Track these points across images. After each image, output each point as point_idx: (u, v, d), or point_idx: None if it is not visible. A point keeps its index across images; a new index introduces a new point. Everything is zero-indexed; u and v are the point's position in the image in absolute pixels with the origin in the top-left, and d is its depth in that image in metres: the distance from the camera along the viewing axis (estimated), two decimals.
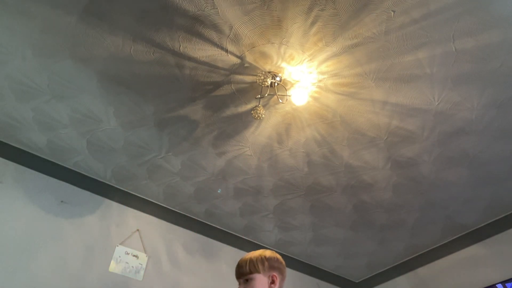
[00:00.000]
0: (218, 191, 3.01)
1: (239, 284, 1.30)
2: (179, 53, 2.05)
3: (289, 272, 3.56)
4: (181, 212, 3.27)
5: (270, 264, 1.32)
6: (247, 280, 1.27)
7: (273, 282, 1.29)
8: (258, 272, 1.28)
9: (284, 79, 2.16)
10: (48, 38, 2.01)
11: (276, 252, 1.71)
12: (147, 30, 1.95)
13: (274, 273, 1.30)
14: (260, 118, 2.15)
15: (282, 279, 1.31)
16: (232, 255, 3.32)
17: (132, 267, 2.77)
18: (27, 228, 2.49)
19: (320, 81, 2.15)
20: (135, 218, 3.01)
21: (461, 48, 1.90)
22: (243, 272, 1.29)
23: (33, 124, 2.54)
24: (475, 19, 1.77)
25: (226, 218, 3.30)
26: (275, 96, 2.22)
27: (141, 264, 2.82)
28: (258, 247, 3.53)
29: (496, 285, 2.83)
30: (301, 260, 3.73)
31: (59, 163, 2.85)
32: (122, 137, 2.59)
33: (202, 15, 1.86)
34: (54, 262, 2.48)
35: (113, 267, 2.69)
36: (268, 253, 1.34)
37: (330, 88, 2.18)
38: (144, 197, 3.14)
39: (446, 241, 3.29)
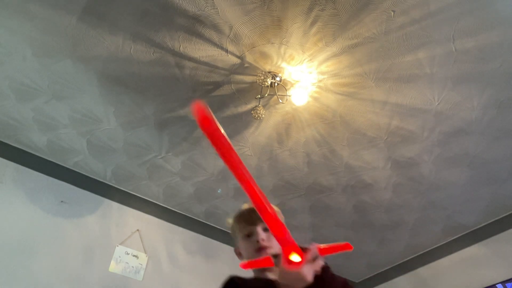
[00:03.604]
0: (218, 191, 3.00)
1: (252, 233, 1.05)
2: (179, 53, 2.05)
3: None
4: (181, 212, 3.26)
5: (282, 218, 1.17)
6: (267, 229, 1.05)
7: None
8: None
9: (284, 79, 2.16)
10: (48, 38, 2.01)
11: None
12: (147, 30, 1.95)
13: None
14: (260, 118, 2.15)
15: None
16: (232, 255, 3.31)
17: (132, 267, 2.77)
18: (27, 228, 2.49)
19: (320, 81, 2.15)
20: (135, 218, 3.01)
21: (461, 48, 1.90)
22: None
23: (33, 124, 2.54)
24: (475, 19, 1.77)
25: (226, 218, 3.30)
26: (275, 96, 2.22)
27: (141, 264, 2.82)
28: None
29: (496, 285, 2.83)
30: None
31: (59, 163, 2.85)
32: (122, 137, 2.59)
33: (202, 15, 1.86)
34: (54, 262, 2.47)
35: (113, 267, 2.69)
36: None
37: (330, 88, 2.18)
38: (144, 197, 3.14)
39: (446, 241, 3.28)
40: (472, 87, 2.09)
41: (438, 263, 3.31)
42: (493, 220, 3.01)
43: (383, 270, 3.76)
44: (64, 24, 1.94)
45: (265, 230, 1.05)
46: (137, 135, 2.57)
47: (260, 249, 1.01)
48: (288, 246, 0.79)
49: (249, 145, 2.60)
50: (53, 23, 1.94)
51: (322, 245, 0.87)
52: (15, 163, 2.68)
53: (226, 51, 2.03)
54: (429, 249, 3.39)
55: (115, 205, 2.97)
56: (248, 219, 1.08)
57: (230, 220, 1.19)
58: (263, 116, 2.16)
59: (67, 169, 2.87)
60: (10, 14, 1.91)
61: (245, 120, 2.42)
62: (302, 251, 0.82)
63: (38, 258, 2.44)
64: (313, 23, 1.86)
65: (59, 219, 2.66)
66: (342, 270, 3.81)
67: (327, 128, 2.42)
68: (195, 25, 1.91)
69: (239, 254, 1.14)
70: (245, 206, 1.16)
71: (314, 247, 0.83)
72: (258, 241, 1.02)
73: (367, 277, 3.89)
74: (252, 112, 2.16)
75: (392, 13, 1.78)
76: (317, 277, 0.82)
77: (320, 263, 0.83)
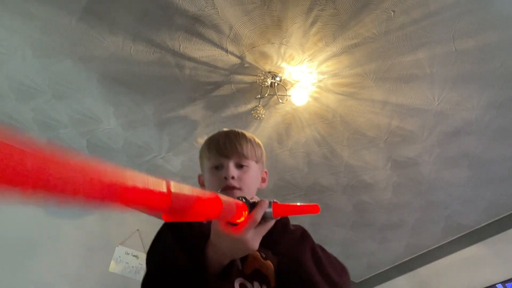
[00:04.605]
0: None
1: (221, 166, 0.85)
2: (179, 53, 2.05)
3: None
4: None
5: (264, 157, 0.96)
6: (241, 166, 0.86)
7: (263, 180, 0.96)
8: (255, 161, 0.90)
9: (284, 79, 2.15)
10: (48, 38, 2.01)
11: None
12: (147, 30, 1.95)
13: (266, 170, 0.98)
14: (260, 118, 2.15)
15: None
16: None
17: (132, 267, 2.77)
18: (27, 228, 2.49)
19: (320, 81, 2.15)
20: (135, 218, 3.01)
21: (461, 48, 1.90)
22: (241, 153, 0.86)
23: (33, 124, 2.54)
24: (475, 19, 1.77)
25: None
26: (275, 96, 2.22)
27: (141, 264, 2.82)
28: None
29: (496, 285, 2.82)
30: None
31: None
32: (122, 137, 2.59)
33: (202, 15, 1.86)
34: (54, 262, 2.48)
35: (113, 267, 2.69)
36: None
37: (330, 88, 2.18)
38: None
39: (446, 241, 3.28)
40: (472, 87, 2.09)
41: (438, 263, 3.31)
42: (493, 220, 3.01)
43: (383, 270, 3.76)
44: (64, 24, 1.94)
45: (239, 166, 0.85)
46: (137, 135, 2.57)
47: (226, 188, 0.82)
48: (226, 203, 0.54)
49: None
50: (53, 23, 1.94)
51: (280, 203, 0.65)
52: None
53: (226, 51, 2.03)
54: (429, 249, 3.39)
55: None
56: (222, 148, 0.86)
57: (201, 141, 0.97)
58: (263, 116, 2.16)
59: None
60: (10, 14, 1.91)
61: (245, 120, 2.42)
62: (249, 207, 0.61)
63: (39, 258, 2.44)
64: (313, 23, 1.86)
65: (59, 219, 2.66)
66: None
67: (327, 128, 2.42)
68: (195, 25, 1.91)
69: (202, 184, 0.94)
70: (225, 129, 0.94)
71: (265, 203, 0.61)
72: (226, 178, 0.82)
73: (367, 277, 3.89)
74: (252, 112, 2.16)
75: (392, 13, 1.78)
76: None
77: (272, 223, 0.63)
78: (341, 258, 0.84)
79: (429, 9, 1.75)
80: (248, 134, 0.94)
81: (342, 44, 1.94)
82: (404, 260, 3.58)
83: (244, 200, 0.61)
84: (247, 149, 0.88)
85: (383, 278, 3.74)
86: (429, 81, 2.07)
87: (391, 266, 3.69)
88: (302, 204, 0.64)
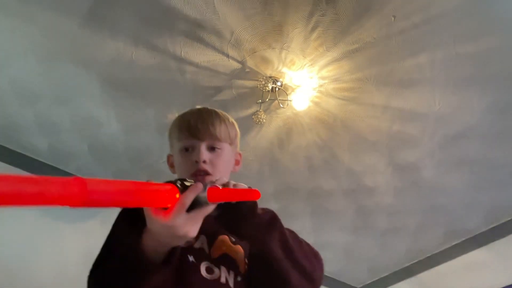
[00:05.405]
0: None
1: (193, 148, 0.82)
2: (180, 58, 2.06)
3: None
4: None
5: (238, 137, 0.91)
6: (214, 149, 0.82)
7: (237, 163, 0.91)
8: (229, 143, 0.86)
9: (285, 84, 2.16)
10: (50, 42, 2.02)
11: None
12: (149, 35, 1.95)
13: (240, 152, 0.93)
14: (261, 123, 2.16)
15: None
16: None
17: None
18: (27, 232, 2.49)
19: (321, 86, 2.15)
20: None
21: (462, 52, 1.90)
22: (214, 135, 0.82)
23: (34, 128, 2.54)
24: (476, 23, 1.78)
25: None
26: (276, 101, 2.22)
27: None
28: None
29: None
30: None
31: (60, 168, 2.85)
32: (123, 141, 2.59)
33: (203, 20, 1.87)
34: (54, 266, 2.47)
35: None
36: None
37: (331, 93, 2.18)
38: None
39: (448, 246, 3.26)
40: (473, 91, 2.09)
41: (440, 268, 3.29)
42: (496, 224, 3.00)
43: (384, 275, 3.73)
44: (66, 29, 1.95)
45: (211, 149, 0.81)
46: (138, 139, 2.57)
47: (197, 173, 0.78)
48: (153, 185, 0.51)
49: (250, 149, 2.60)
50: (55, 28, 1.95)
51: (220, 185, 0.61)
52: (16, 168, 2.68)
53: (227, 56, 2.03)
54: (431, 254, 3.37)
55: (116, 208, 2.97)
56: (193, 128, 0.82)
57: (172, 117, 0.94)
58: (264, 120, 2.16)
59: (69, 173, 2.87)
60: (12, 18, 1.93)
61: (246, 125, 2.42)
62: (181, 190, 0.57)
63: (39, 262, 2.43)
64: (314, 28, 1.87)
65: (60, 223, 2.66)
66: (343, 275, 3.79)
67: (328, 133, 2.42)
68: (196, 30, 1.92)
69: (171, 166, 0.93)
70: (197, 107, 0.90)
71: (197, 187, 0.57)
72: (197, 162, 0.79)
73: (369, 282, 3.86)
74: (253, 117, 2.16)
75: (393, 18, 1.79)
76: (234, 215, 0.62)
77: (210, 209, 0.59)
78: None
79: (429, 14, 1.76)
80: (222, 113, 0.89)
81: (343, 49, 1.95)
82: (405, 265, 3.56)
83: (178, 183, 0.58)
84: (220, 131, 0.83)
85: (384, 283, 3.72)
86: (430, 85, 2.08)
87: (393, 271, 3.66)
88: (241, 188, 0.61)
